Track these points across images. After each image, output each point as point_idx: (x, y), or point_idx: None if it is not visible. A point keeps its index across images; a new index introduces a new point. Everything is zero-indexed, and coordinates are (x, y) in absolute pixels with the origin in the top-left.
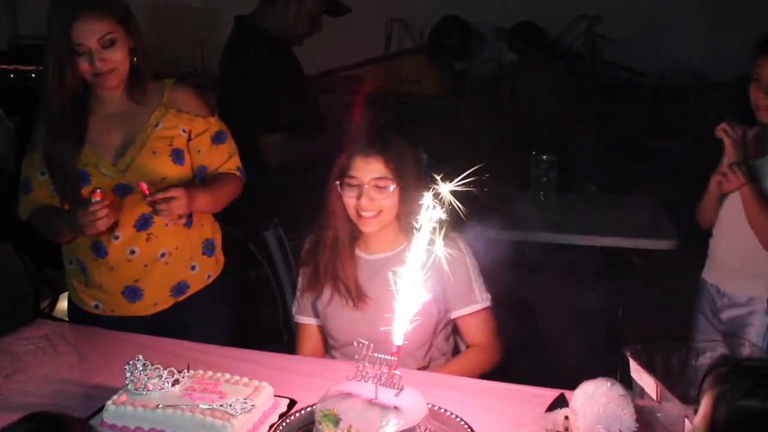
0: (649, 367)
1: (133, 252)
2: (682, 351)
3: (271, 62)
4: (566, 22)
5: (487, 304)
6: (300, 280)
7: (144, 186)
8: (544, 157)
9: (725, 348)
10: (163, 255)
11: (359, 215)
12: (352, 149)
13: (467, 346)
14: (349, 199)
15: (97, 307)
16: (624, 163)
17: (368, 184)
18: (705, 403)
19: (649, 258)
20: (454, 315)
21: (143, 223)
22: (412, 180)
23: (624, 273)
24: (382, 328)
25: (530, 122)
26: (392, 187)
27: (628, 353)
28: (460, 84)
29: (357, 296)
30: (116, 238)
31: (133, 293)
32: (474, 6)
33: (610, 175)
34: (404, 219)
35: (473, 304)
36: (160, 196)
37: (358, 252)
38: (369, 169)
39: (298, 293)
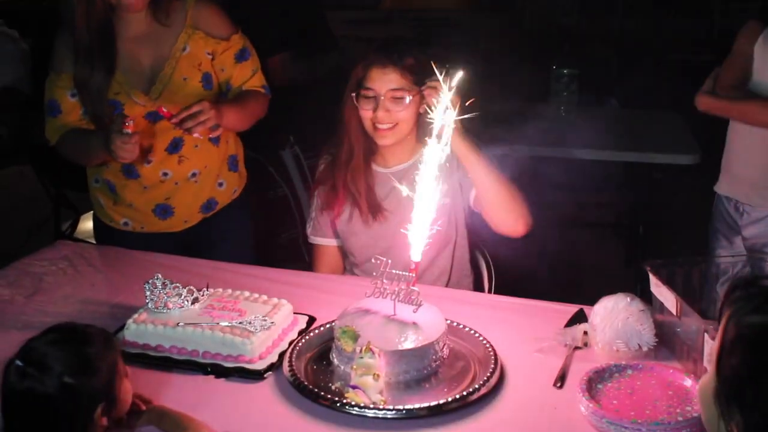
0: (669, 282)
1: (165, 174)
2: (702, 266)
3: None
4: None
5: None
6: (316, 199)
7: (164, 110)
8: (565, 71)
9: (747, 265)
10: (193, 175)
11: (375, 128)
12: (368, 60)
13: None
14: (365, 111)
15: (126, 224)
16: (645, 77)
17: (385, 96)
18: (720, 326)
19: (671, 172)
20: (472, 195)
21: (174, 146)
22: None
23: (645, 188)
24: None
25: (551, 36)
26: (409, 98)
27: (649, 268)
28: None
29: (375, 210)
30: (149, 162)
31: (164, 211)
32: None
33: (632, 89)
34: (421, 130)
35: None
36: (185, 114)
37: (374, 166)
38: (386, 80)
39: (313, 214)
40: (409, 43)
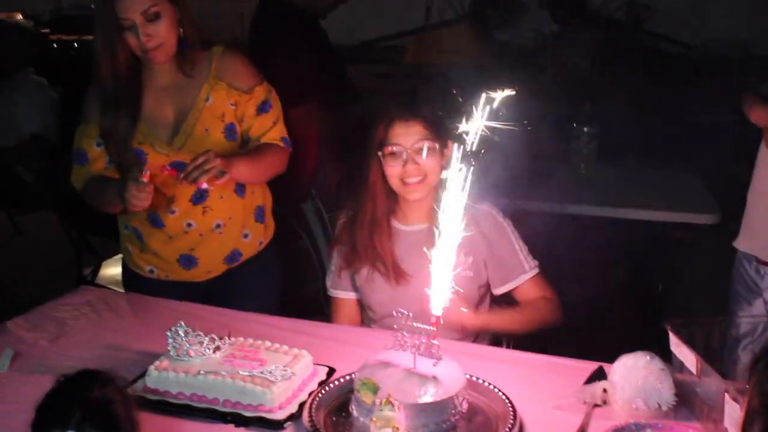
0: (689, 342)
1: (189, 225)
2: (722, 327)
3: (296, 34)
4: None
5: (537, 270)
6: (335, 257)
7: (167, 169)
8: (585, 129)
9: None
10: (218, 226)
11: (404, 183)
12: (389, 117)
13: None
14: (393, 168)
15: (152, 272)
16: (664, 136)
17: (411, 149)
18: (746, 395)
19: (690, 232)
20: (502, 290)
21: (199, 197)
22: (450, 145)
23: (665, 247)
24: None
25: (571, 93)
26: (434, 147)
27: (669, 327)
28: (502, 54)
29: (396, 273)
30: (173, 212)
31: (188, 261)
32: None
33: (651, 148)
34: (442, 187)
35: (522, 275)
36: (190, 167)
37: (395, 223)
38: (410, 134)
39: (333, 268)
40: (425, 94)
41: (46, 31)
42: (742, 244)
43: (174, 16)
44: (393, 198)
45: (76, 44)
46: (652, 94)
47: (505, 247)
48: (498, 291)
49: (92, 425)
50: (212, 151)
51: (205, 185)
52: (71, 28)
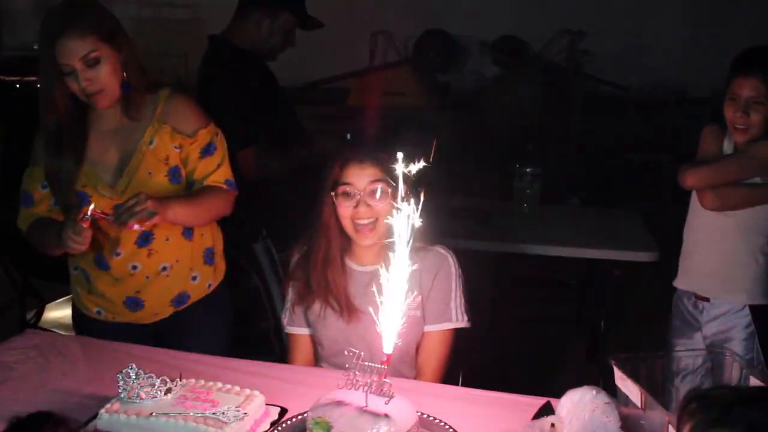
0: (633, 376)
1: (135, 267)
2: (664, 360)
3: (244, 76)
4: (549, 37)
5: (462, 325)
6: (290, 293)
7: (97, 212)
8: (528, 169)
9: (708, 359)
10: (164, 269)
11: (356, 229)
12: (344, 158)
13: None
14: (345, 209)
15: (99, 313)
16: (605, 176)
17: (364, 191)
18: None
19: (631, 269)
20: (427, 329)
21: (144, 240)
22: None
23: (605, 285)
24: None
25: (513, 135)
26: (387, 190)
27: (614, 362)
28: (444, 96)
29: (349, 311)
30: (118, 254)
31: (134, 303)
32: (457, 20)
33: (592, 188)
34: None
35: (445, 322)
36: (120, 210)
37: (349, 263)
38: (364, 175)
39: (288, 305)
40: (380, 138)
41: None
42: (680, 282)
43: (115, 60)
44: (346, 237)
45: (18, 85)
46: (592, 136)
47: (443, 289)
48: (426, 329)
49: None
50: (143, 193)
51: (136, 226)
52: (13, 69)
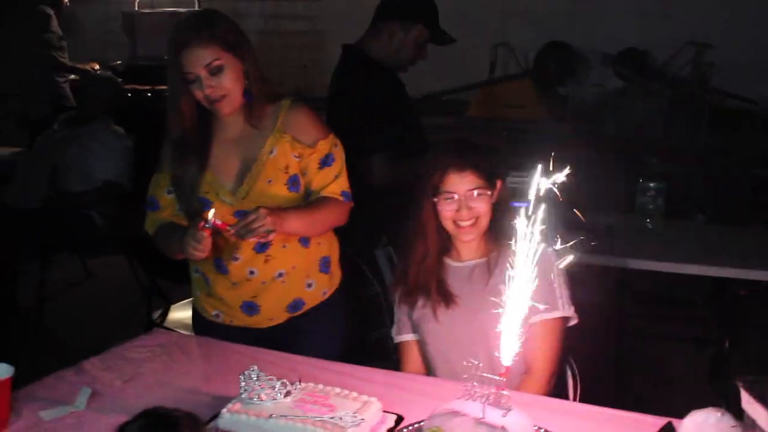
0: (761, 399)
1: (252, 272)
2: None
3: (377, 87)
4: (674, 50)
5: (567, 314)
6: (395, 298)
7: (218, 223)
8: (652, 184)
9: None
10: (280, 275)
11: (458, 226)
12: (444, 164)
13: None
14: (448, 212)
15: (217, 316)
16: (732, 193)
17: (464, 195)
18: None
19: (756, 290)
20: (530, 321)
21: (262, 246)
22: (500, 184)
23: (731, 304)
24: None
25: (636, 149)
26: (485, 193)
27: (741, 384)
28: (565, 109)
29: (447, 299)
30: (236, 259)
31: (250, 308)
32: (579, 32)
33: (718, 204)
34: (494, 225)
35: (553, 311)
36: (241, 224)
37: (447, 261)
38: (464, 182)
39: (395, 313)
40: (477, 145)
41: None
42: None
43: (238, 68)
44: (445, 237)
45: (149, 93)
46: (718, 150)
47: (545, 280)
48: (531, 321)
49: None
50: (264, 209)
51: (253, 239)
52: (145, 77)
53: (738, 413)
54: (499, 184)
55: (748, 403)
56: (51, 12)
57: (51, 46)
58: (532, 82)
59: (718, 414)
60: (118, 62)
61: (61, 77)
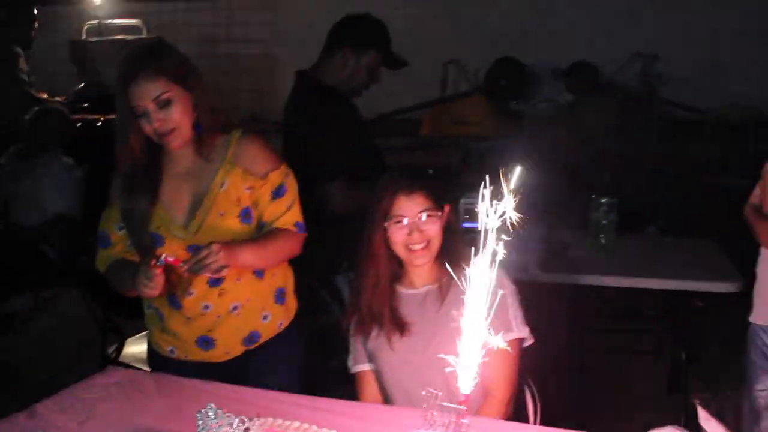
0: (718, 416)
1: (206, 307)
2: (750, 400)
3: (331, 114)
4: (622, 62)
5: (522, 335)
6: (350, 328)
7: (169, 260)
8: (604, 199)
9: None
10: (235, 308)
11: (410, 250)
12: (393, 189)
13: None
14: (399, 237)
15: (172, 351)
16: (684, 203)
17: (415, 219)
18: None
19: (713, 301)
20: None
21: (215, 280)
22: (448, 208)
23: (686, 316)
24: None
25: (588, 163)
26: (435, 215)
27: (697, 402)
28: (517, 125)
29: (401, 327)
30: (190, 294)
31: (206, 342)
32: (529, 47)
33: (671, 215)
34: (444, 249)
35: (508, 332)
36: (193, 260)
37: (399, 288)
38: (414, 204)
39: (351, 343)
40: (423, 169)
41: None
42: (758, 318)
43: (187, 101)
44: (396, 263)
45: (100, 122)
46: (669, 161)
47: (499, 303)
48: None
49: None
50: (216, 245)
51: (208, 274)
52: (95, 107)
53: (697, 429)
54: (447, 207)
55: (706, 420)
56: (20, 51)
57: (24, 82)
58: (484, 98)
59: None
60: (66, 95)
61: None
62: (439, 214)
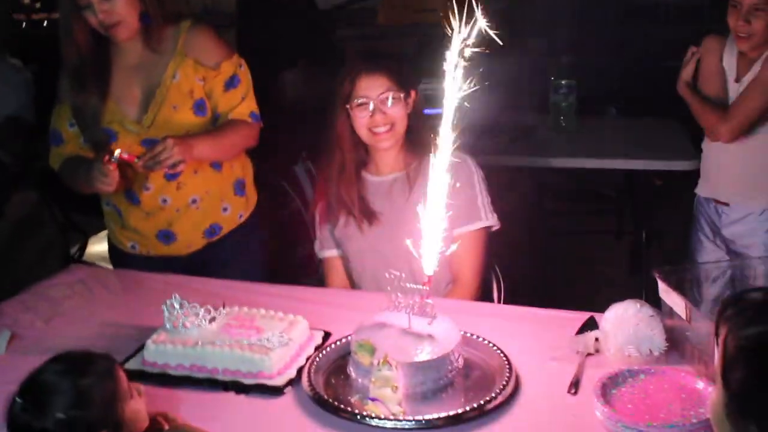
0: (678, 288)
1: (165, 201)
2: (700, 272)
3: (286, 3)
4: None
5: (491, 223)
6: (317, 215)
7: (124, 156)
8: (564, 81)
9: (729, 267)
10: (194, 201)
11: (373, 133)
12: (355, 71)
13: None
14: (361, 119)
15: (133, 247)
16: (642, 85)
17: (377, 100)
18: (719, 345)
19: (670, 179)
20: (454, 233)
21: (173, 174)
22: (414, 94)
23: (645, 196)
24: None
25: (548, 47)
26: (399, 96)
27: (658, 275)
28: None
29: (369, 216)
30: (147, 189)
31: (166, 236)
32: None
33: (630, 97)
34: (411, 136)
35: (476, 221)
36: (148, 156)
37: (366, 175)
38: (376, 85)
39: (317, 229)
40: (388, 51)
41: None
42: (702, 190)
43: None
44: (362, 149)
45: (45, 22)
46: (628, 44)
47: (467, 191)
48: (455, 232)
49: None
50: (171, 139)
51: (166, 170)
52: (38, 5)
53: (657, 303)
54: (413, 93)
55: (666, 292)
56: None
57: None
58: None
59: (638, 305)
60: None
61: None
62: (402, 97)
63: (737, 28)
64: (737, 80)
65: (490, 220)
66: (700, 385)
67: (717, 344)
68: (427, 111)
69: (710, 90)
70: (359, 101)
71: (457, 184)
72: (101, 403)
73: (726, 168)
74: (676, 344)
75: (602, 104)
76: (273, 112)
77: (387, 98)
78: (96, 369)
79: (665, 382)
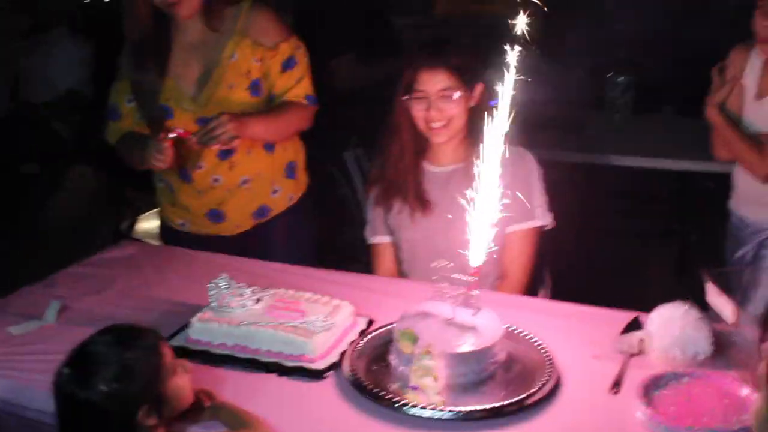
0: (726, 291)
1: (216, 180)
2: (749, 276)
3: None
4: None
5: (545, 222)
6: (370, 199)
7: (180, 131)
8: (620, 78)
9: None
10: (245, 182)
11: (429, 127)
12: (416, 63)
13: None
14: (418, 112)
15: (183, 225)
16: (701, 86)
17: (435, 96)
18: (764, 352)
19: (723, 182)
20: (507, 230)
21: (226, 153)
22: (480, 87)
23: (697, 197)
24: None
25: (606, 42)
26: (458, 94)
27: (707, 277)
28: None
29: (423, 204)
30: (200, 167)
31: (216, 216)
32: None
33: (688, 96)
34: (471, 130)
35: (530, 220)
36: (201, 133)
37: (425, 164)
38: (435, 81)
39: (369, 214)
40: (454, 44)
41: None
42: (733, 205)
43: None
44: (421, 139)
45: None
46: (688, 42)
47: (524, 188)
48: (508, 230)
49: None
50: (226, 115)
51: (217, 146)
52: None
53: (704, 305)
54: (479, 87)
55: (713, 295)
56: None
57: None
58: None
59: (685, 307)
60: None
61: None
62: (463, 93)
63: (761, 31)
64: (759, 97)
65: (544, 219)
66: (745, 391)
67: (761, 351)
68: (492, 102)
69: (732, 101)
70: (417, 95)
71: (515, 181)
72: (144, 378)
73: (751, 186)
74: (723, 349)
75: (659, 102)
76: (326, 97)
77: (445, 95)
78: (142, 343)
79: (709, 386)
